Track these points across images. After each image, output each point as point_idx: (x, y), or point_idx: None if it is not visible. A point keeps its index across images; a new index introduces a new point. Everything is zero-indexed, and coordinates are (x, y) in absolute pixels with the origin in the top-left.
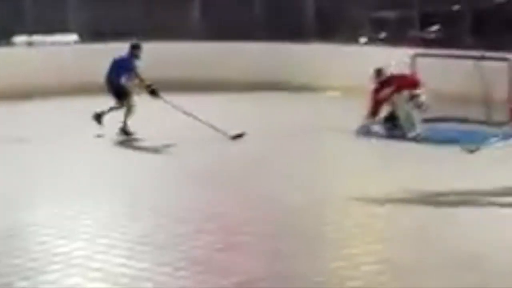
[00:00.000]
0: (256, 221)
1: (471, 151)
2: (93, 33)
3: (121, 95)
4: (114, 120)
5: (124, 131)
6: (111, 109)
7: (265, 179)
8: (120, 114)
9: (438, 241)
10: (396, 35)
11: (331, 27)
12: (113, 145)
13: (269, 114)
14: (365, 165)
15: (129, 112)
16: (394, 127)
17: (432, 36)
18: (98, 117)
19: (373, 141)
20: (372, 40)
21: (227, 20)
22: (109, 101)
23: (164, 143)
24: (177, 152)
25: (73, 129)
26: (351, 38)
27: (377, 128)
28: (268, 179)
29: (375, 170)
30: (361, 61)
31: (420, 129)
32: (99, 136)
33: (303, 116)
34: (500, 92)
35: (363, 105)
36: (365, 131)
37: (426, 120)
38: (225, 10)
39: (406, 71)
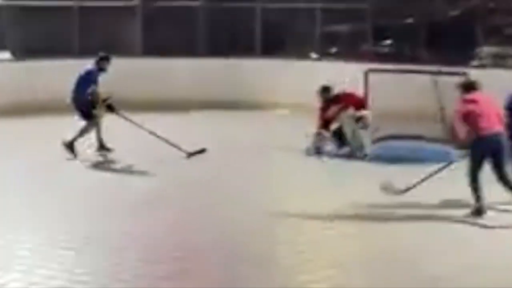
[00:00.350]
0: (204, 246)
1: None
2: (27, 50)
3: (90, 113)
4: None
5: (101, 146)
6: (81, 133)
7: (214, 200)
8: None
9: (393, 263)
10: (348, 50)
11: (280, 42)
12: (52, 166)
13: (217, 134)
14: (316, 183)
15: (89, 127)
16: (342, 144)
17: (386, 50)
18: (70, 146)
19: (324, 159)
20: (323, 55)
21: (169, 36)
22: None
23: (112, 163)
24: (125, 173)
25: (7, 151)
26: (301, 53)
27: (327, 146)
28: (218, 200)
29: (325, 188)
30: (311, 77)
31: (368, 149)
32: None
33: (252, 135)
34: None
35: (312, 123)
36: (314, 150)
37: (379, 139)
38: (168, 25)
39: (357, 87)
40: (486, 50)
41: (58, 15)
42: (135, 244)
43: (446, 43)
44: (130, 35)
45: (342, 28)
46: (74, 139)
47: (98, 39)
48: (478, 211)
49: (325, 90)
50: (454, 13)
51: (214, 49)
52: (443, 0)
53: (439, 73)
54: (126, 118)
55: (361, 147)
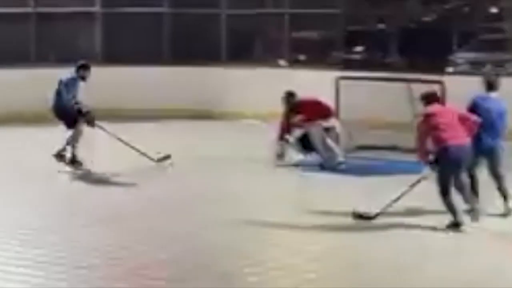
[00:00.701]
0: (168, 263)
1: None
2: None
3: (74, 121)
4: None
5: (74, 161)
6: (69, 142)
7: (178, 215)
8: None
9: (367, 275)
10: (319, 57)
11: (247, 49)
12: (21, 177)
13: (181, 145)
14: (283, 194)
15: (75, 138)
16: (307, 151)
17: (357, 57)
18: (61, 157)
19: (293, 169)
20: (293, 63)
21: (132, 43)
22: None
23: (80, 175)
24: (90, 187)
25: None
26: (270, 61)
27: (295, 156)
28: (182, 215)
29: (292, 199)
30: (280, 85)
31: (341, 157)
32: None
33: (218, 145)
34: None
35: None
36: (280, 159)
37: (352, 149)
38: (131, 32)
39: (328, 96)
40: (462, 56)
41: (14, 22)
42: (97, 261)
43: (420, 50)
44: (90, 42)
45: (312, 34)
46: (63, 149)
47: (56, 46)
48: (456, 224)
49: (290, 96)
50: (428, 18)
51: (179, 56)
52: (416, 5)
53: (413, 80)
54: (103, 129)
55: (333, 156)
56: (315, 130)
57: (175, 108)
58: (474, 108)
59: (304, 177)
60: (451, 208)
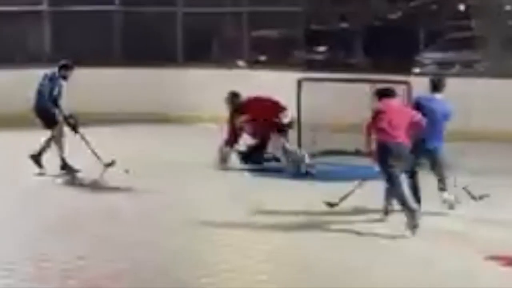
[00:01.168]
0: (126, 273)
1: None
2: None
3: (54, 122)
4: None
5: (65, 166)
6: (46, 144)
7: (134, 223)
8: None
9: (314, 278)
10: (279, 58)
11: (204, 50)
12: None
13: (132, 150)
14: (238, 198)
15: (59, 142)
16: (252, 162)
17: (320, 58)
18: (36, 159)
19: (246, 174)
20: (252, 64)
21: (81, 43)
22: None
23: (38, 180)
24: (46, 192)
25: None
26: (228, 61)
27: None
28: (139, 222)
29: (245, 201)
30: (239, 87)
31: (306, 161)
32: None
33: (172, 151)
34: None
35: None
36: (223, 162)
37: (315, 154)
38: (80, 32)
39: (289, 98)
40: (429, 56)
41: None
42: (52, 273)
43: (385, 49)
44: (37, 42)
45: (272, 33)
46: (41, 151)
47: (2, 46)
48: (413, 226)
49: (233, 96)
50: (394, 16)
51: (132, 57)
52: (381, 2)
53: (378, 81)
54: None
55: (297, 159)
56: (273, 140)
57: (129, 112)
58: (418, 108)
59: (257, 181)
60: (401, 198)
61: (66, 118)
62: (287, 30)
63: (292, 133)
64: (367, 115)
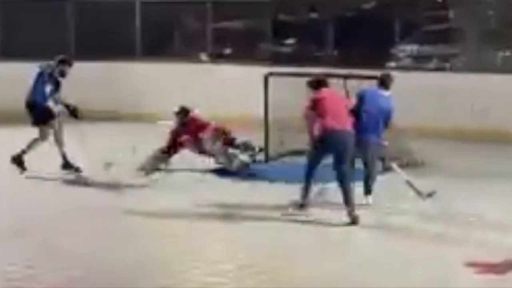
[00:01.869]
0: (80, 282)
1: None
2: None
3: (46, 119)
4: None
5: (67, 165)
6: (31, 146)
7: (88, 229)
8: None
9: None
10: (245, 51)
11: (164, 42)
12: None
13: (91, 151)
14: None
15: (59, 139)
16: None
17: (288, 51)
18: (18, 161)
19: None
20: (216, 57)
21: (33, 36)
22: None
23: None
24: None
25: None
26: (190, 55)
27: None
28: (93, 228)
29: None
30: (202, 82)
31: (245, 158)
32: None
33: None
34: None
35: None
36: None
37: (281, 155)
38: (31, 24)
39: (256, 93)
40: (404, 49)
41: None
42: None
43: (357, 42)
44: None
45: (237, 25)
46: (24, 152)
47: None
48: (301, 205)
49: (182, 112)
50: (367, 6)
51: (87, 51)
52: None
53: (350, 76)
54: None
55: (230, 158)
56: (217, 151)
57: (82, 109)
58: (361, 101)
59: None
60: (305, 189)
61: (66, 106)
62: (253, 21)
63: (259, 133)
64: None
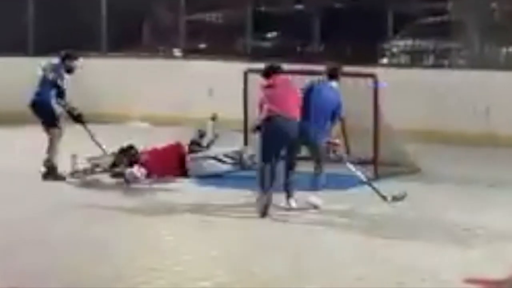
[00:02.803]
0: None
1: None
2: None
3: (55, 120)
4: None
5: (50, 168)
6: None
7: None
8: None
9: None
10: (222, 45)
11: (133, 36)
12: None
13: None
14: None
15: (53, 143)
16: None
17: (270, 45)
18: (53, 173)
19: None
20: (190, 52)
21: None
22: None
23: None
24: None
25: None
26: (162, 50)
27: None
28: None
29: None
30: (175, 80)
31: None
32: None
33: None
34: (364, 120)
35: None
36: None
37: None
38: None
39: (235, 91)
40: (399, 44)
41: None
42: None
43: (347, 36)
44: None
45: (214, 17)
46: (51, 158)
47: None
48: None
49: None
50: None
51: (49, 46)
52: None
53: (342, 74)
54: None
55: None
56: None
57: None
58: (308, 94)
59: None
60: (261, 178)
61: (69, 112)
62: (231, 12)
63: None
64: None
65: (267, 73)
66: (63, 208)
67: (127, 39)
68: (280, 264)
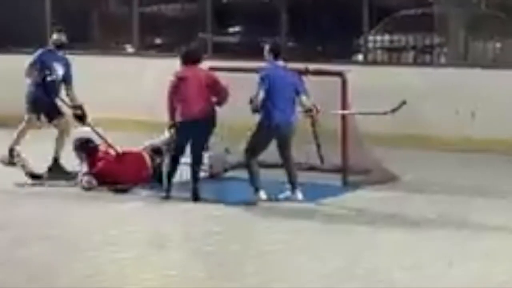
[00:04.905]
0: None
1: None
2: None
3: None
4: None
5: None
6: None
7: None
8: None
9: None
10: (180, 41)
11: (81, 31)
12: None
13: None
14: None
15: (62, 138)
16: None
17: (233, 40)
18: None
19: None
20: (144, 48)
21: None
22: None
23: None
24: None
25: None
26: (112, 45)
27: None
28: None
29: None
30: (126, 78)
31: None
32: None
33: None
34: (331, 121)
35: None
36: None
37: (225, 169)
38: None
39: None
40: (376, 39)
41: None
42: None
43: (318, 30)
44: None
45: (170, 9)
46: (57, 155)
47: None
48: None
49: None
50: None
51: None
52: None
53: (309, 72)
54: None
55: None
56: None
57: None
58: (267, 82)
59: None
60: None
61: (75, 107)
62: (190, 4)
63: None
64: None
65: (186, 60)
66: None
67: (74, 34)
68: None
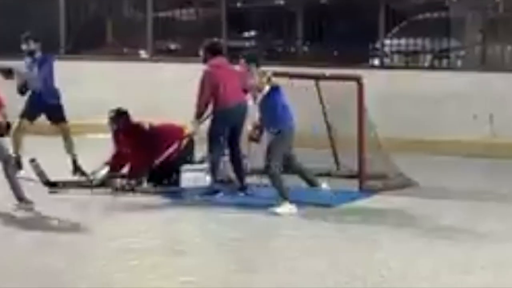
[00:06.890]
0: None
1: None
2: None
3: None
4: None
5: (77, 168)
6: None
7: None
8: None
9: None
10: (195, 46)
11: (95, 36)
12: None
13: None
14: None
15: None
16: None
17: (247, 45)
18: (79, 170)
19: None
20: (159, 53)
21: None
22: None
23: None
24: None
25: None
26: (127, 51)
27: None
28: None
29: None
30: (140, 84)
31: None
32: None
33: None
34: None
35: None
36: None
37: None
38: None
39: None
40: (391, 43)
41: None
42: None
43: (333, 35)
44: None
45: (185, 14)
46: (75, 160)
47: None
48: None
49: (118, 115)
50: None
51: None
52: None
53: (324, 77)
54: None
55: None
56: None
57: None
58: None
59: None
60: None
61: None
62: (204, 9)
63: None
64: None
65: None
66: None
67: (88, 39)
68: None
